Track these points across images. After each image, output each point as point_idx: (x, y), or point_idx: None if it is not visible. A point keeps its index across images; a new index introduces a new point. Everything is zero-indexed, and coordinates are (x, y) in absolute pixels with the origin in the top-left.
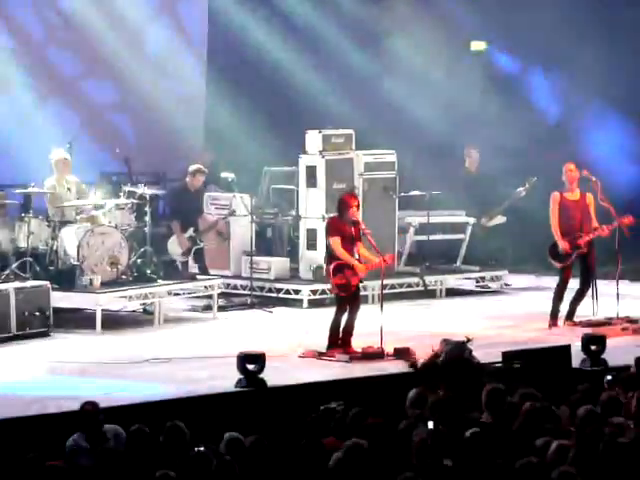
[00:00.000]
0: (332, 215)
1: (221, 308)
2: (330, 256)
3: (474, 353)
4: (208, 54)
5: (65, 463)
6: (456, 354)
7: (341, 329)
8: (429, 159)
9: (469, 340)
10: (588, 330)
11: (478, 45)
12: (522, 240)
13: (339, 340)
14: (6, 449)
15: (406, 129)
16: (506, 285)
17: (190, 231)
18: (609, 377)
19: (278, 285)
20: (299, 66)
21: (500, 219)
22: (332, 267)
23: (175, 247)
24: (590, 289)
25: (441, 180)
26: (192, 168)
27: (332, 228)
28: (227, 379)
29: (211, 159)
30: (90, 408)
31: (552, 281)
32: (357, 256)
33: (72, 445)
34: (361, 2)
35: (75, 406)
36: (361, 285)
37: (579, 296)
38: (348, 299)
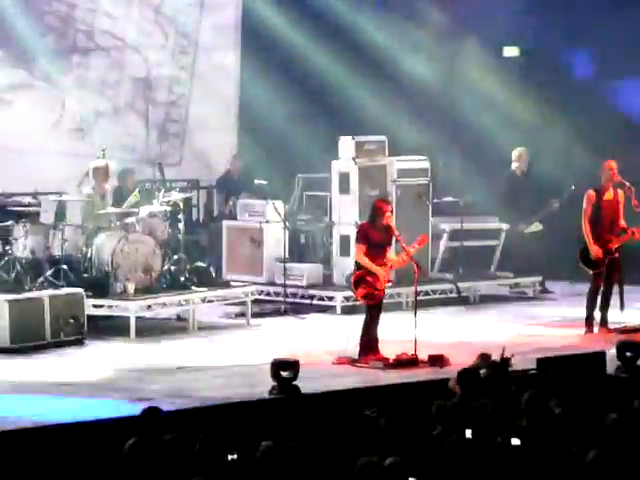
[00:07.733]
0: (363, 221)
1: (255, 315)
2: (356, 264)
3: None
4: (242, 59)
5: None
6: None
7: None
8: (471, 162)
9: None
10: (623, 337)
11: (511, 50)
12: (557, 245)
13: (370, 347)
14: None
15: (448, 133)
16: (545, 292)
17: None
18: None
19: (311, 292)
20: (335, 72)
21: (537, 226)
22: (353, 280)
23: None
24: (614, 289)
25: (482, 184)
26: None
27: (360, 235)
28: (261, 386)
29: (240, 165)
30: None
31: (587, 287)
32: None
33: None
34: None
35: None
36: (394, 292)
37: (605, 300)
38: (376, 306)
